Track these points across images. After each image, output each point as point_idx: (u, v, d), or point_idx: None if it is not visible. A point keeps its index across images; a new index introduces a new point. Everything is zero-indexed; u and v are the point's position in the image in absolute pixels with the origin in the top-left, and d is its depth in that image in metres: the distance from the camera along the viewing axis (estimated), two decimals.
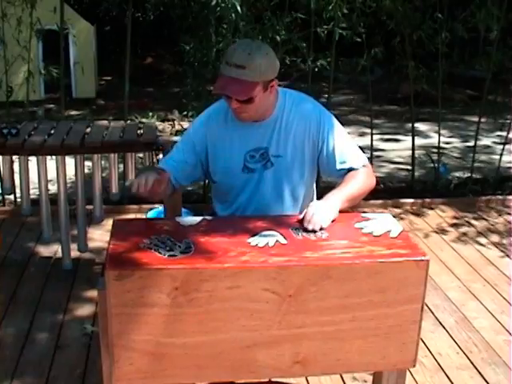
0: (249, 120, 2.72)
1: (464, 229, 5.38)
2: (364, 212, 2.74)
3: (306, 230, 2.42)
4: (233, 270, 2.12)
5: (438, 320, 3.87)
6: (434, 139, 7.53)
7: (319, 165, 2.84)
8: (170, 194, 2.84)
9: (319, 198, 3.01)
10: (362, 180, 2.72)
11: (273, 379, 2.71)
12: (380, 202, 5.76)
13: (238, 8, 5.04)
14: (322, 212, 2.47)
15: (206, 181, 5.83)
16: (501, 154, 6.48)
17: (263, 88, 2.61)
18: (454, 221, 5.56)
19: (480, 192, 6.25)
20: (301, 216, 2.52)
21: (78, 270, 4.38)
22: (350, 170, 2.75)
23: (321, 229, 2.43)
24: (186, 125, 6.22)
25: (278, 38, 5.39)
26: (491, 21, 5.80)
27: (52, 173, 4.10)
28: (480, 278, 4.47)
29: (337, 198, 2.58)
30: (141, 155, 4.21)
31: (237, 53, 2.56)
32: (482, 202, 6.00)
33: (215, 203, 3.05)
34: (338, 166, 2.76)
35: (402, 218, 5.49)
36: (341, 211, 2.56)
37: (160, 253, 2.19)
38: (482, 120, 6.43)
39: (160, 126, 7.28)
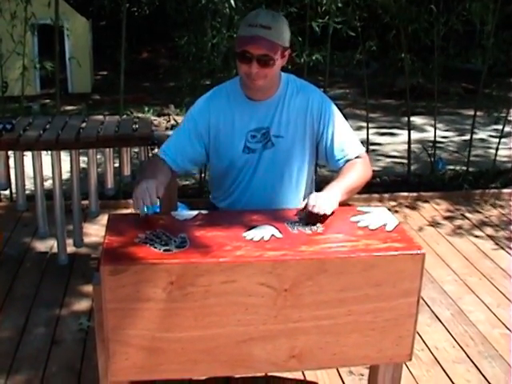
0: (260, 89, 2.71)
1: (459, 222, 5.38)
2: (360, 206, 2.74)
3: (302, 224, 2.42)
4: (228, 264, 2.12)
5: (434, 313, 3.87)
6: (430, 133, 7.53)
7: (318, 152, 2.85)
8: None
9: (317, 190, 3.03)
10: (359, 171, 2.73)
11: (269, 374, 2.72)
12: (376, 195, 5.75)
13: (232, 2, 5.03)
14: (325, 200, 2.48)
15: (203, 174, 5.85)
16: (497, 148, 6.48)
17: (281, 53, 2.65)
18: (450, 214, 5.56)
19: (476, 185, 6.25)
20: (302, 204, 2.52)
21: (73, 265, 4.36)
22: (347, 160, 2.76)
23: (320, 220, 2.43)
24: (181, 119, 6.22)
25: None
26: (486, 14, 5.80)
27: (47, 168, 4.09)
28: (476, 271, 4.47)
29: (337, 190, 2.58)
30: (136, 150, 4.21)
31: (261, 15, 2.62)
32: (477, 196, 6.00)
33: (212, 190, 3.06)
34: (336, 155, 2.78)
35: (397, 212, 5.49)
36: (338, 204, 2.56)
37: (155, 247, 2.19)
38: (478, 113, 6.43)
39: (156, 120, 7.28)
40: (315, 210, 2.43)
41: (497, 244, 4.94)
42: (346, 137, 2.80)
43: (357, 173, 2.72)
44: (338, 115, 2.83)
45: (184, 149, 2.79)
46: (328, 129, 2.78)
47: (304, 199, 2.67)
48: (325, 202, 2.47)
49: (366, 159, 2.83)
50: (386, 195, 5.81)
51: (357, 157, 2.79)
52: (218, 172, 2.94)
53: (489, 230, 5.21)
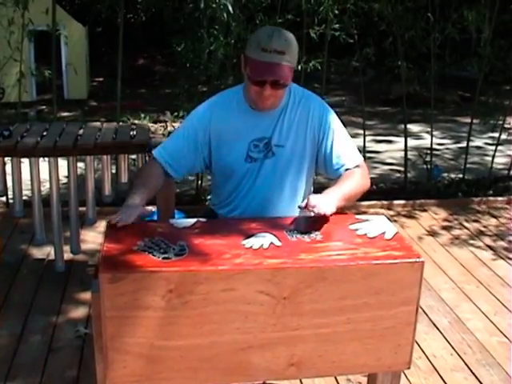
0: (268, 108, 2.73)
1: (457, 230, 5.39)
2: (358, 214, 2.74)
3: (300, 232, 2.42)
4: (227, 272, 2.11)
5: (431, 321, 3.87)
6: (426, 140, 7.55)
7: (317, 160, 2.85)
8: (165, 186, 2.82)
9: None
10: (357, 180, 2.72)
11: (268, 381, 2.71)
12: (373, 203, 5.76)
13: (230, 8, 5.03)
14: (325, 201, 2.48)
15: (199, 181, 5.84)
16: (493, 156, 6.49)
17: (293, 73, 2.67)
18: (447, 222, 5.57)
19: (472, 193, 6.26)
20: (302, 204, 2.51)
21: (70, 272, 4.36)
22: (346, 169, 2.76)
23: (318, 225, 2.42)
24: (177, 126, 6.22)
25: None
26: (482, 22, 5.81)
27: (45, 174, 4.08)
28: (473, 279, 4.48)
29: (335, 195, 2.58)
30: (133, 157, 4.20)
31: (274, 39, 2.57)
32: (475, 204, 6.01)
33: (213, 196, 3.05)
34: (335, 164, 2.78)
35: (394, 220, 5.49)
36: (335, 212, 2.55)
37: (154, 255, 2.18)
38: (475, 121, 6.44)
39: (152, 127, 7.28)
40: (316, 211, 2.43)
41: (494, 252, 4.94)
42: (345, 146, 2.80)
43: (355, 181, 2.71)
44: (338, 125, 2.83)
45: (182, 157, 2.78)
46: (328, 138, 2.78)
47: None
48: (325, 203, 2.47)
49: (364, 169, 2.83)
50: (384, 203, 5.82)
51: (355, 166, 2.78)
52: (220, 180, 2.93)
53: (486, 239, 5.22)
